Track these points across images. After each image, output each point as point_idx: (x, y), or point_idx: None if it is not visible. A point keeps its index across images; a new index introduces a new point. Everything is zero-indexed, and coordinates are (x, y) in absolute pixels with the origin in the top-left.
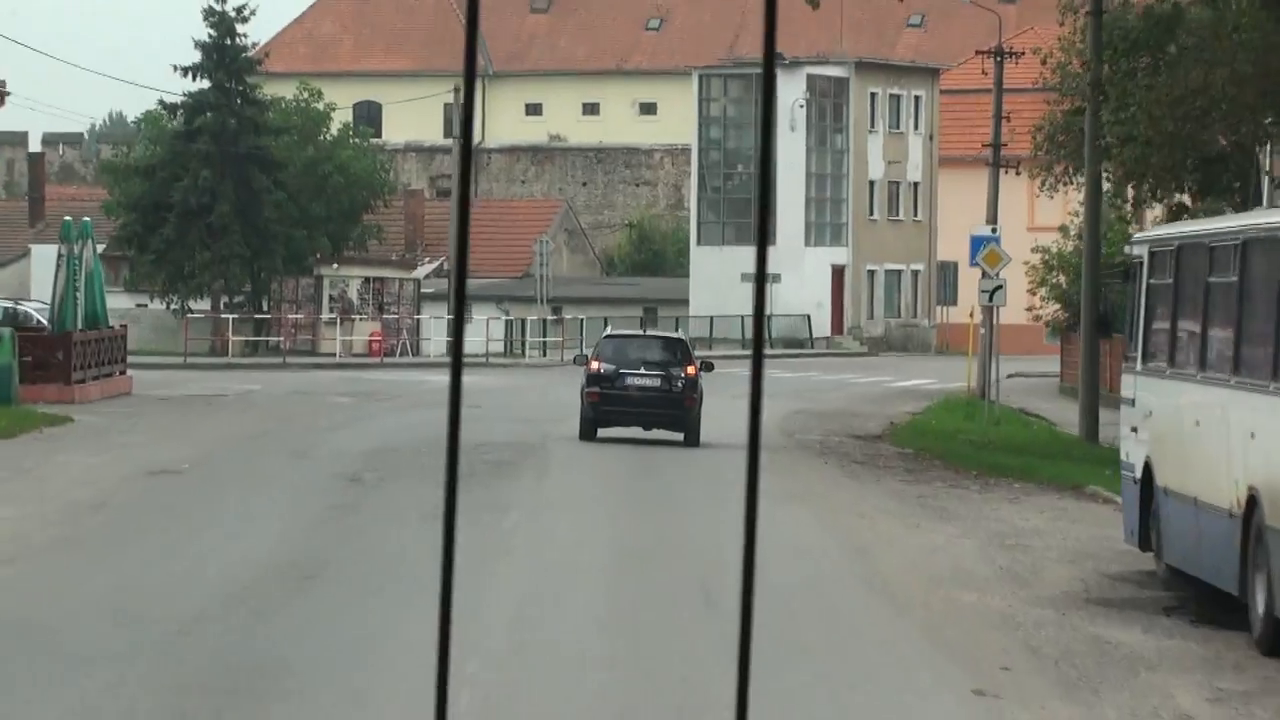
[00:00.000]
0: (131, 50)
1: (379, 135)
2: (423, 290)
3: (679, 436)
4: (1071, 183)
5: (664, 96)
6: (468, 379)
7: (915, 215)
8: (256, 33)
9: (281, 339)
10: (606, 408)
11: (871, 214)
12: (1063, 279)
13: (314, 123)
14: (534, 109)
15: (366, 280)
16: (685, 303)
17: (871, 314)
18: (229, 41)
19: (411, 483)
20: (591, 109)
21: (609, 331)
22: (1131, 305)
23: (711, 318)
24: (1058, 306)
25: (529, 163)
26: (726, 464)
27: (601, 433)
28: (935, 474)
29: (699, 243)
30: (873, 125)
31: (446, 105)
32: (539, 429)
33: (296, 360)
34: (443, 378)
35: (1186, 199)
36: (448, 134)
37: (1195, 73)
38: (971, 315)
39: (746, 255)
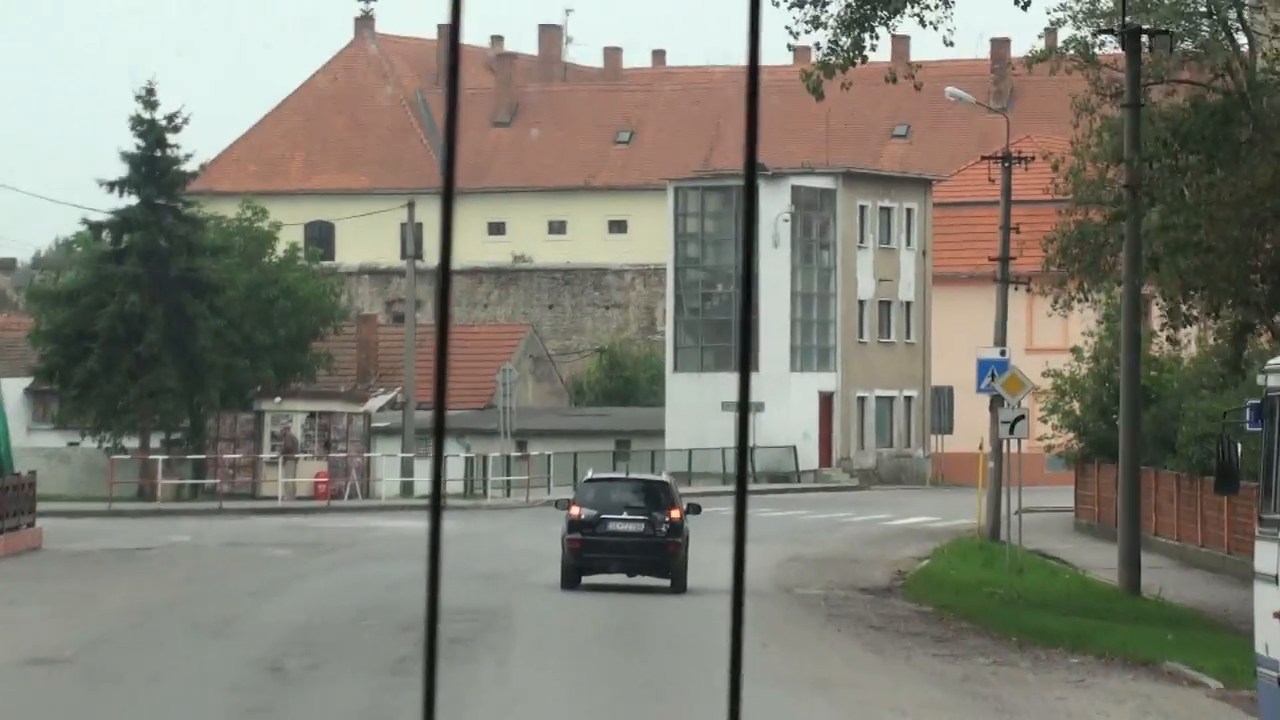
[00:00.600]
0: (75, 166)
1: (331, 257)
2: (375, 425)
3: (666, 582)
4: (1086, 300)
5: (635, 213)
6: (418, 525)
7: (908, 337)
8: (201, 148)
9: (218, 481)
10: (589, 555)
11: (861, 336)
12: (1077, 406)
13: (258, 243)
14: (497, 228)
15: (312, 415)
16: (661, 434)
17: (862, 444)
18: (159, 153)
19: (346, 673)
20: (558, 227)
21: (590, 475)
22: (1267, 451)
23: (690, 450)
24: (1071, 435)
25: (492, 285)
26: (719, 617)
27: (585, 579)
28: (970, 643)
29: (675, 369)
30: (862, 240)
31: (403, 225)
32: (503, 587)
33: (234, 505)
34: (395, 523)
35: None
36: (404, 255)
37: (1263, 168)
38: (981, 447)
39: (727, 382)
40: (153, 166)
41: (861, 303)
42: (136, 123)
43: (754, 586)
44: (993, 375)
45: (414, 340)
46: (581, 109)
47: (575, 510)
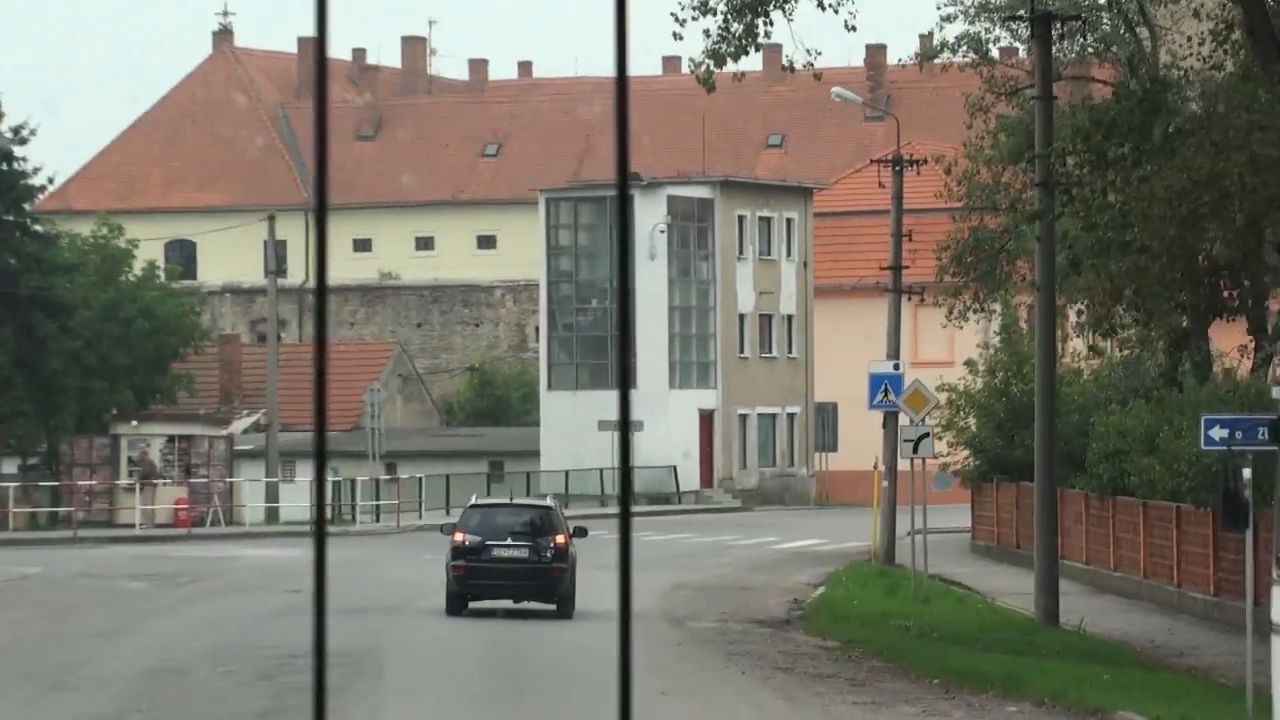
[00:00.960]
0: None
1: (193, 276)
2: (238, 448)
3: (552, 607)
4: (981, 310)
5: (504, 228)
6: (284, 553)
7: (790, 352)
8: (58, 166)
9: (73, 509)
10: (473, 581)
11: (742, 351)
12: (972, 423)
13: (114, 261)
14: (363, 244)
15: (171, 439)
16: (536, 454)
17: (744, 463)
18: (4, 167)
19: None
20: (425, 243)
21: (474, 500)
22: None
23: (567, 471)
24: (967, 453)
25: (358, 303)
26: (609, 646)
27: (472, 605)
28: (890, 687)
29: (550, 387)
30: (741, 251)
31: (265, 242)
32: (374, 624)
33: (90, 534)
34: (259, 551)
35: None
36: (266, 272)
37: (1200, 160)
38: (876, 466)
39: (604, 400)
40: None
41: (742, 316)
42: None
43: (641, 616)
44: (886, 390)
45: (276, 360)
46: (447, 122)
47: (459, 536)
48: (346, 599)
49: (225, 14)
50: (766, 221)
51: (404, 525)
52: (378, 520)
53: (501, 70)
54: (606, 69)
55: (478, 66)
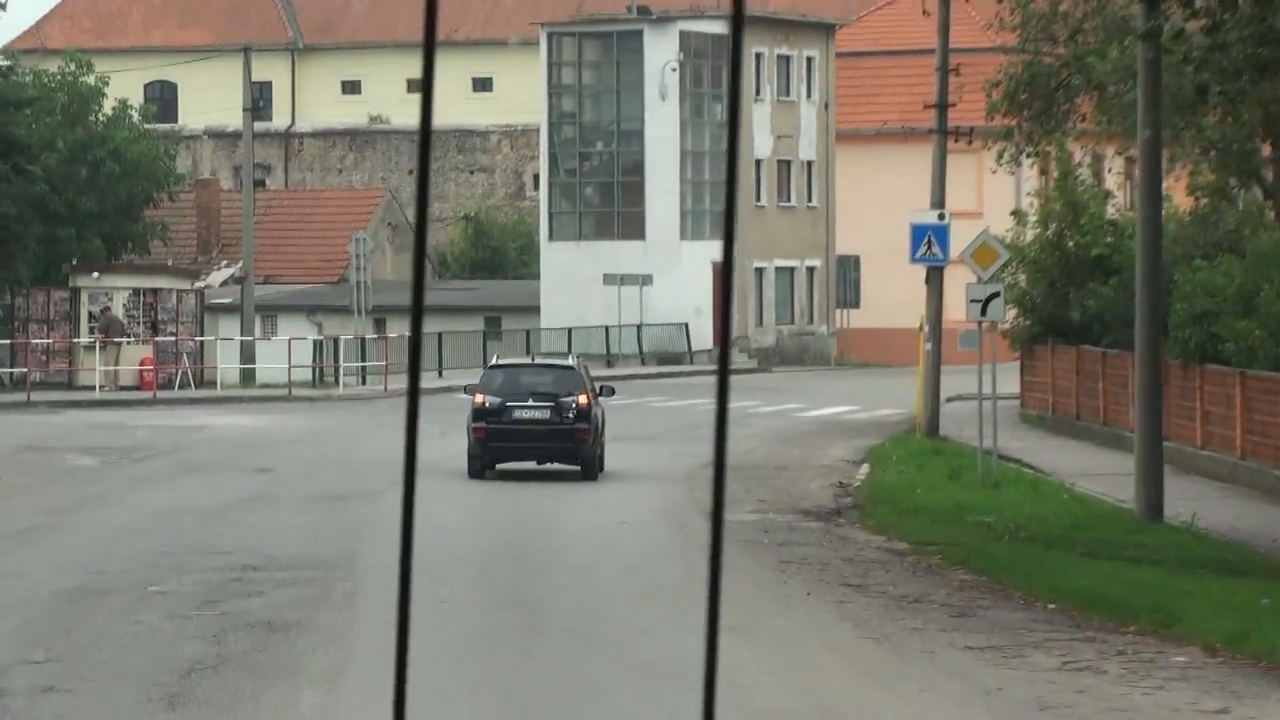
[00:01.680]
0: None
1: (174, 119)
2: (216, 302)
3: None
4: (1035, 154)
5: (501, 70)
6: (256, 422)
7: (810, 201)
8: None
9: (28, 369)
10: (495, 444)
11: (759, 200)
12: (1022, 279)
13: (83, 100)
14: (351, 86)
15: (136, 292)
16: (535, 310)
17: (760, 321)
18: None
19: (109, 684)
20: (417, 85)
21: (495, 361)
22: None
23: (570, 329)
24: (1015, 312)
25: (346, 148)
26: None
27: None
28: (1000, 618)
29: (551, 238)
30: (758, 93)
31: (256, 83)
32: (349, 521)
33: (45, 397)
34: (229, 419)
35: None
36: (256, 117)
37: None
38: (921, 328)
39: (610, 251)
40: None
41: (758, 162)
42: None
43: (669, 509)
44: (929, 242)
45: (253, 206)
46: None
47: (480, 398)
48: (322, 480)
49: None
50: (785, 60)
51: (392, 389)
52: (364, 383)
53: None
54: None
55: None
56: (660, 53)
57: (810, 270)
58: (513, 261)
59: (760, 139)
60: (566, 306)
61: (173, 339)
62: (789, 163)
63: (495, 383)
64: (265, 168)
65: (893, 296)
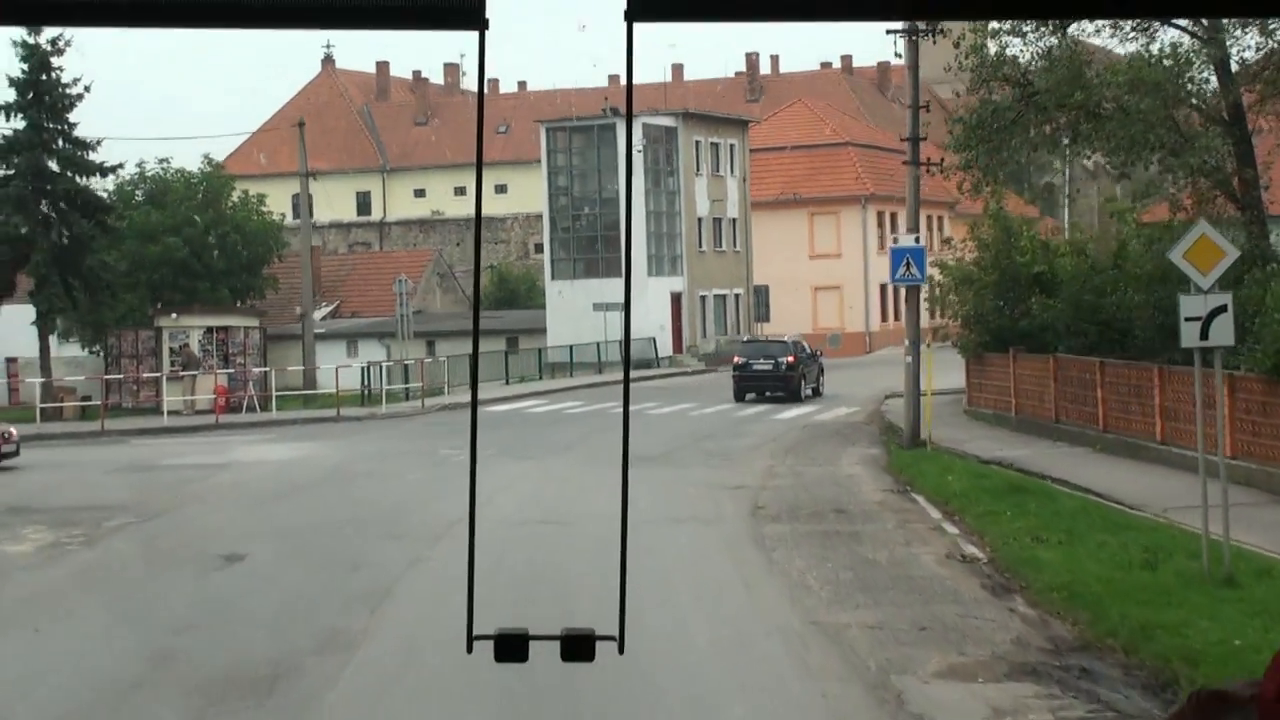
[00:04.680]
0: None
1: (311, 215)
2: (317, 332)
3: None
4: (996, 182)
5: (513, 180)
6: (290, 453)
7: (735, 247)
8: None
9: (104, 399)
10: (743, 383)
11: (701, 247)
12: (955, 298)
13: (216, 191)
14: (420, 192)
15: (209, 330)
16: (543, 332)
17: (704, 333)
18: (44, 77)
19: None
20: (461, 190)
21: (746, 338)
22: None
23: (571, 346)
24: (956, 324)
25: (418, 231)
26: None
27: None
28: None
29: (553, 278)
30: (698, 169)
31: (358, 192)
32: (354, 617)
33: (129, 424)
34: (261, 451)
35: None
36: (360, 213)
37: None
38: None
39: (597, 286)
40: (39, 89)
41: (700, 219)
42: (21, 46)
43: (758, 591)
44: (908, 264)
45: (309, 254)
46: (472, 112)
47: (737, 359)
48: (315, 568)
49: (328, 45)
50: (715, 146)
51: (429, 406)
52: (407, 399)
53: (508, 85)
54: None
55: (492, 84)
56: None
57: (737, 296)
58: (524, 298)
59: (700, 202)
60: (566, 329)
61: (241, 368)
62: (720, 219)
63: (744, 350)
64: (365, 244)
65: (792, 312)
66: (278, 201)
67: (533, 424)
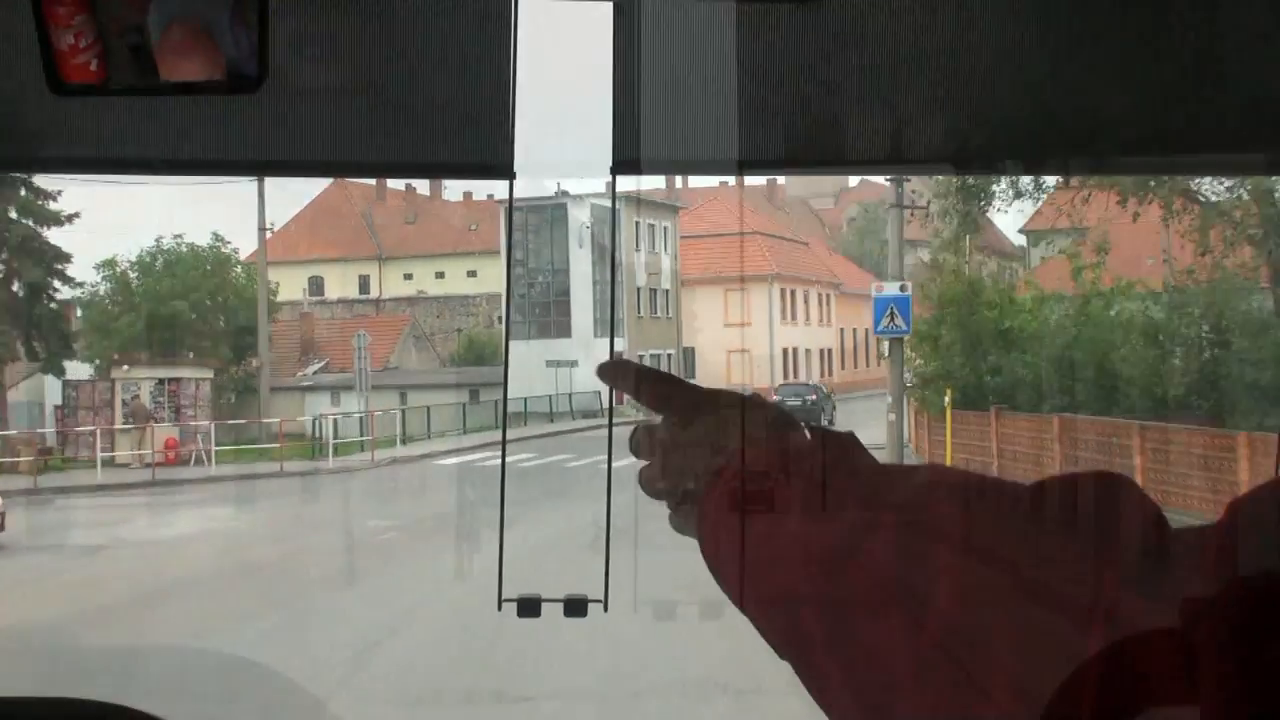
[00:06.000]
0: None
1: (321, 294)
2: (306, 385)
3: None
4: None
5: (480, 267)
6: (192, 526)
7: (668, 314)
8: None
9: (74, 452)
10: None
11: (639, 313)
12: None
13: (220, 265)
14: (408, 276)
15: (161, 382)
16: (498, 385)
17: None
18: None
19: None
20: (440, 275)
21: (779, 384)
22: None
23: (525, 398)
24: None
25: (406, 306)
26: None
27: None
28: None
29: (511, 338)
30: (637, 246)
31: (360, 275)
32: None
33: (53, 483)
34: (170, 519)
35: None
36: (361, 292)
37: None
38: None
39: (551, 345)
40: None
41: (639, 289)
42: None
43: None
44: (892, 313)
45: (266, 308)
46: (451, 216)
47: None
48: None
49: None
50: (651, 227)
51: (379, 459)
52: (362, 450)
53: (480, 194)
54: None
55: (466, 194)
56: (578, 217)
57: (669, 356)
58: (489, 358)
59: (639, 275)
60: (523, 383)
61: (190, 422)
62: (655, 290)
63: (782, 392)
64: (365, 316)
65: (712, 373)
66: (290, 287)
67: (482, 483)
